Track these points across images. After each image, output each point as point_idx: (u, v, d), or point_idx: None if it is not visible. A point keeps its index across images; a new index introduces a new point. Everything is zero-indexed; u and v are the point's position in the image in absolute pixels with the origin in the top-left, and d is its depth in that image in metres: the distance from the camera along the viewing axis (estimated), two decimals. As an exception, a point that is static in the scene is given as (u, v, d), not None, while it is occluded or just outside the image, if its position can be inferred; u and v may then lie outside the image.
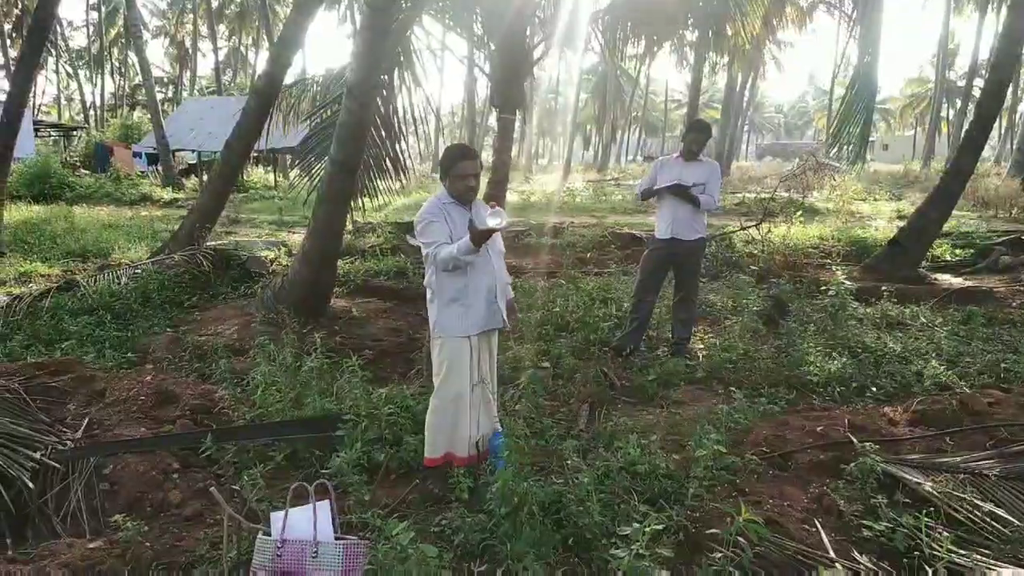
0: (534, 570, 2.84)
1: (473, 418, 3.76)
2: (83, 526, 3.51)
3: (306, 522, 2.67)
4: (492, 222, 3.39)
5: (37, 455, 3.85)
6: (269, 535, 2.69)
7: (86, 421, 4.33)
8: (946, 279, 9.97)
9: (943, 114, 48.01)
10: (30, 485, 3.63)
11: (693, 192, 5.98)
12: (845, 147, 10.96)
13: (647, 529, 2.73)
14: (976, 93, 27.93)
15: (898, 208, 18.05)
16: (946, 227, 11.38)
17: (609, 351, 6.24)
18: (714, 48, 24.72)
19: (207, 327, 6.99)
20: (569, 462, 3.70)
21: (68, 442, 4.07)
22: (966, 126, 11.44)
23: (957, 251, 11.61)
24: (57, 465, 3.82)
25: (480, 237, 3.41)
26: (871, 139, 11.36)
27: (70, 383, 4.83)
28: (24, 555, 3.14)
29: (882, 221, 15.47)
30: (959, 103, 40.82)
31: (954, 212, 11.52)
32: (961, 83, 44.35)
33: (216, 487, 3.25)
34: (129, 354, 6.14)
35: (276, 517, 2.70)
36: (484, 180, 18.69)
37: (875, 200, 20.61)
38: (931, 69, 52.22)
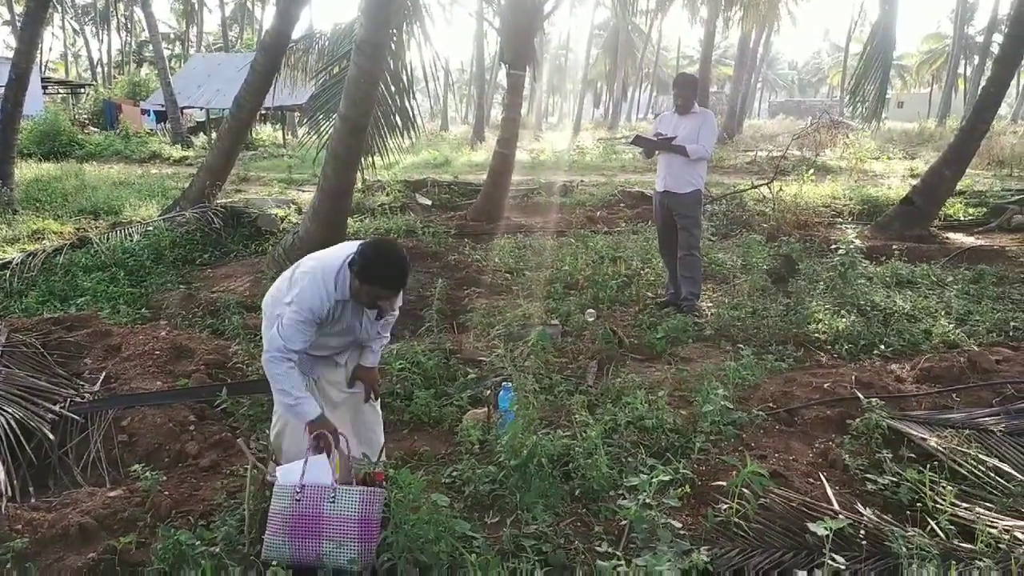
0: (543, 520, 2.91)
1: None
2: (103, 476, 3.60)
3: (323, 470, 2.75)
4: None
5: (56, 407, 3.94)
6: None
7: (103, 375, 4.41)
8: (958, 238, 9.91)
9: (960, 71, 47.06)
10: (51, 436, 3.73)
11: (675, 144, 6.06)
12: (861, 105, 10.80)
13: (654, 480, 2.79)
14: (995, 49, 27.38)
15: (912, 167, 17.82)
16: (960, 186, 11.25)
17: (661, 307, 6.36)
18: (727, 2, 24.27)
19: (219, 284, 7.06)
20: (577, 416, 3.76)
21: (86, 395, 4.16)
22: (983, 83, 11.21)
23: (970, 210, 11.50)
24: (76, 417, 3.91)
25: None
26: (886, 96, 11.20)
27: (87, 338, 4.91)
28: (46, 503, 3.23)
29: (895, 180, 15.29)
30: (977, 60, 40.08)
31: (968, 171, 11.37)
32: (980, 39, 43.42)
33: (244, 440, 3.31)
34: (143, 310, 6.22)
35: (296, 464, 2.77)
36: (492, 139, 18.50)
37: (888, 159, 20.33)
38: (949, 24, 51.09)
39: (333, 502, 2.65)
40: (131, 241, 7.97)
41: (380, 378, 4.35)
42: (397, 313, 3.38)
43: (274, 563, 2.52)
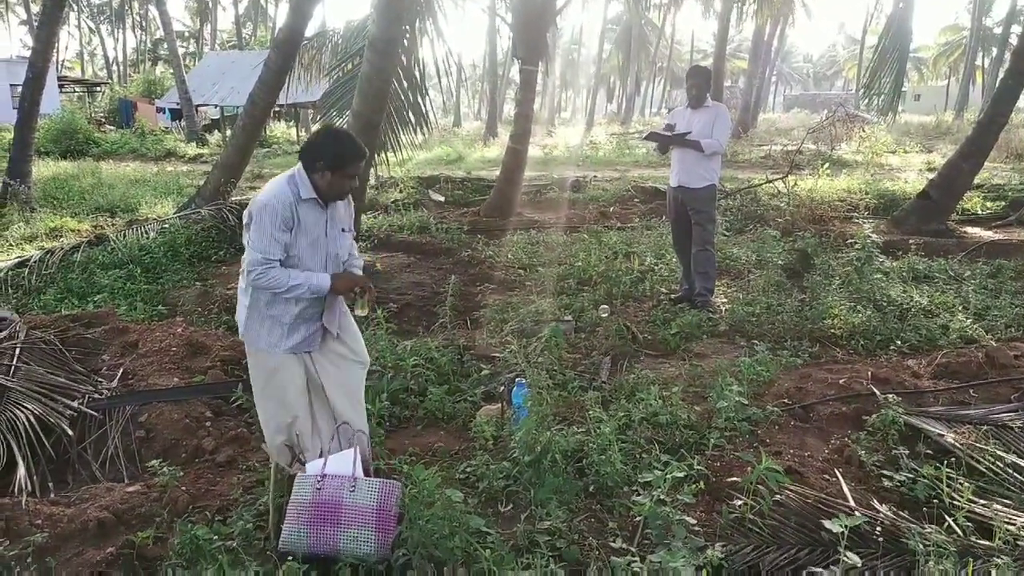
0: (557, 515, 2.91)
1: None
2: (121, 471, 3.64)
3: (342, 464, 2.77)
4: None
5: (75, 403, 3.99)
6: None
7: (121, 371, 4.44)
8: (976, 232, 9.81)
9: (978, 63, 46.49)
10: (69, 432, 3.78)
11: (689, 139, 6.00)
12: (877, 98, 10.68)
13: (668, 477, 2.79)
14: (1013, 40, 27.05)
15: (929, 160, 17.65)
16: (978, 179, 11.13)
17: (674, 302, 6.29)
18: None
19: (234, 280, 7.06)
20: (591, 412, 3.76)
21: (104, 391, 4.20)
22: (1001, 75, 11.07)
23: (988, 204, 11.38)
24: (94, 413, 3.96)
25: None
26: (903, 89, 11.08)
27: (104, 335, 4.95)
28: (65, 498, 3.27)
29: (912, 174, 15.16)
30: (995, 51, 39.62)
31: (987, 164, 11.24)
32: (998, 30, 42.87)
33: (264, 443, 3.33)
34: (160, 307, 6.26)
35: (319, 461, 2.80)
36: (505, 135, 18.46)
37: (905, 152, 20.15)
38: (967, 16, 50.47)
39: (353, 491, 2.68)
40: (147, 238, 8.02)
41: (391, 374, 4.39)
42: (354, 232, 3.42)
43: (290, 558, 2.53)
